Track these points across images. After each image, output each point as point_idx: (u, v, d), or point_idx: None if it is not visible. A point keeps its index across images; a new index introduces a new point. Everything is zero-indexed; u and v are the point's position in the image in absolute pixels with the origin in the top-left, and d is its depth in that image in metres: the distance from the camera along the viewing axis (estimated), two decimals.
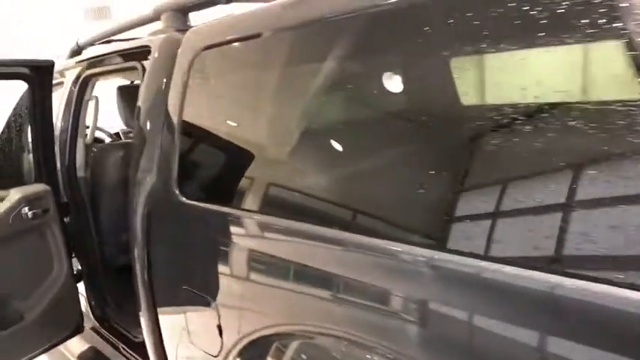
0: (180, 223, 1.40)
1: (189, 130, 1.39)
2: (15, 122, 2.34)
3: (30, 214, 1.90)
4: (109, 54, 1.93)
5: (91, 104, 2.14)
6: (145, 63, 1.63)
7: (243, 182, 1.22)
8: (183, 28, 1.60)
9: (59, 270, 2.07)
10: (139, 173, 1.50)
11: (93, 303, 2.26)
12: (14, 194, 1.89)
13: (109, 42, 2.20)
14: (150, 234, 1.47)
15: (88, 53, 2.21)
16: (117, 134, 3.45)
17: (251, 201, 1.17)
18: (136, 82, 2.39)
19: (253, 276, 1.15)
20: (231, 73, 1.35)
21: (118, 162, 2.18)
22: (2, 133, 2.46)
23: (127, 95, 2.19)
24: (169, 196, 1.37)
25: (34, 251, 1.99)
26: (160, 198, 1.43)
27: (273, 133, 1.21)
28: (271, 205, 1.15)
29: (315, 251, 1.00)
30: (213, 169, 1.44)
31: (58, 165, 2.13)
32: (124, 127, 3.13)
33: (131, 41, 1.88)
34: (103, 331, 2.25)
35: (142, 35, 1.90)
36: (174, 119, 1.37)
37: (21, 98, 2.31)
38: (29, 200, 1.91)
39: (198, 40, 1.42)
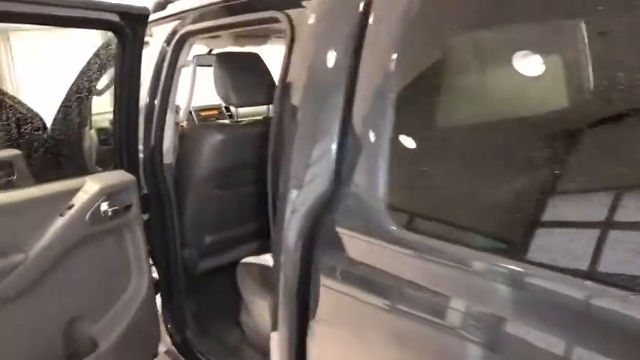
0: (384, 263, 0.86)
1: (417, 118, 0.88)
2: (80, 90, 1.89)
3: (110, 211, 1.44)
4: (224, 2, 1.42)
5: (187, 71, 1.66)
6: (297, 12, 1.13)
7: (539, 214, 0.70)
8: None
9: (139, 282, 1.61)
10: (294, 179, 1.00)
11: (169, 322, 1.81)
12: (92, 184, 1.42)
13: None
14: (312, 271, 0.97)
15: (182, 4, 1.71)
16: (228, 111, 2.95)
17: (569, 256, 0.65)
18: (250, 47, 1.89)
19: None
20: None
21: (217, 148, 1.69)
22: (64, 102, 2.01)
23: (230, 64, 1.70)
24: (366, 222, 0.87)
25: (110, 260, 1.53)
26: (340, 220, 0.92)
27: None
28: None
29: None
30: (470, 186, 0.86)
31: (140, 146, 1.66)
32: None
33: None
34: (181, 358, 1.80)
35: None
36: (384, 100, 0.86)
37: (88, 63, 1.85)
38: (110, 193, 1.45)
39: None
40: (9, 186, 2.12)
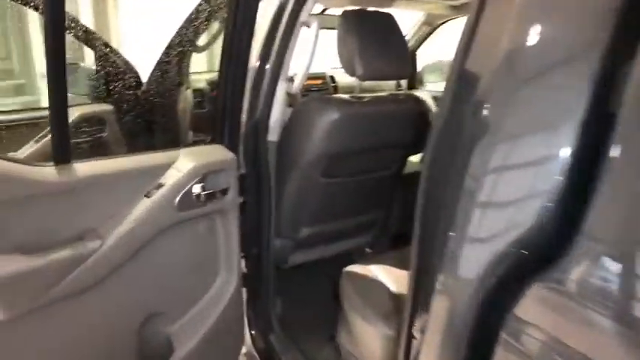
0: None
1: None
2: (181, 43, 1.65)
3: (203, 195, 1.18)
4: None
5: (310, 31, 1.34)
6: None
7: None
8: None
9: (228, 278, 1.36)
10: (482, 197, 0.64)
11: (254, 323, 1.56)
12: (185, 161, 1.16)
13: None
14: (496, 331, 0.63)
15: None
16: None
17: None
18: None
19: None
20: None
21: (334, 128, 1.37)
22: (162, 57, 1.80)
23: (360, 25, 1.35)
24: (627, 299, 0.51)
25: (196, 251, 1.29)
26: (566, 283, 0.56)
27: None
28: None
29: None
30: None
31: (243, 118, 1.38)
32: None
33: None
34: None
35: None
36: None
37: (195, 10, 1.59)
38: (205, 173, 1.18)
39: None
40: (97, 144, 1.97)
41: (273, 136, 1.43)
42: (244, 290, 1.53)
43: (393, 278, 1.34)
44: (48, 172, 0.97)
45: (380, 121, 1.48)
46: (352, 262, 2.09)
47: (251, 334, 1.53)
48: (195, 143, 1.60)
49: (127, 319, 1.16)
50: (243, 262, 1.51)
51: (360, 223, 1.83)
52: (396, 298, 1.27)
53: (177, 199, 1.13)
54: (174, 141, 1.75)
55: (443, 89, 0.77)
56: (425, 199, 0.80)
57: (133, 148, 1.98)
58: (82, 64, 1.95)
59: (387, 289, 1.31)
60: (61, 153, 1.00)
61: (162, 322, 1.24)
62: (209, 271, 1.33)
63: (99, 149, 1.93)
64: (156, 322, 1.22)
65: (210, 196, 1.20)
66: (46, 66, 0.93)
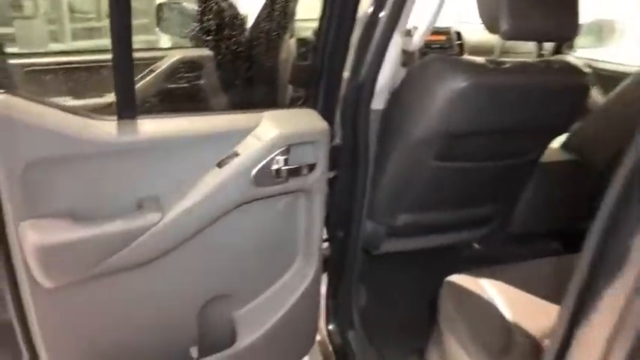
0: None
1: None
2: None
3: (285, 170, 0.98)
4: None
5: None
6: None
7: None
8: None
9: (306, 264, 1.17)
10: None
11: (333, 315, 1.37)
12: (269, 127, 0.96)
13: None
14: None
15: None
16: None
17: None
18: None
19: None
20: None
21: (459, 98, 1.06)
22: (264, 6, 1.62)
23: None
24: None
25: (273, 231, 1.11)
26: None
27: None
28: None
29: None
30: None
31: (345, 77, 1.13)
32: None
33: None
34: None
35: None
36: None
37: None
38: (290, 144, 0.97)
39: None
40: (193, 91, 1.86)
41: (378, 102, 1.16)
42: (325, 276, 1.34)
43: (510, 301, 1.05)
44: (108, 127, 0.83)
45: (525, 95, 1.13)
46: (458, 258, 1.81)
47: (327, 323, 1.34)
48: (288, 104, 1.39)
49: (187, 300, 1.03)
50: (326, 245, 1.32)
51: (472, 216, 1.52)
52: (510, 329, 0.99)
53: (254, 172, 0.94)
54: (264, 100, 1.57)
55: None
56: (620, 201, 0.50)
57: (221, 103, 1.84)
58: (184, 3, 1.82)
59: (501, 315, 1.02)
60: (125, 106, 0.84)
61: (226, 306, 1.10)
62: (285, 255, 1.15)
63: (192, 99, 1.83)
64: (220, 305, 1.08)
65: (294, 172, 0.99)
66: (109, 6, 0.76)
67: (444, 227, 1.54)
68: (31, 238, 0.77)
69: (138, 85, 1.58)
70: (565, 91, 1.19)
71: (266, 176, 0.96)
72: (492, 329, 1.00)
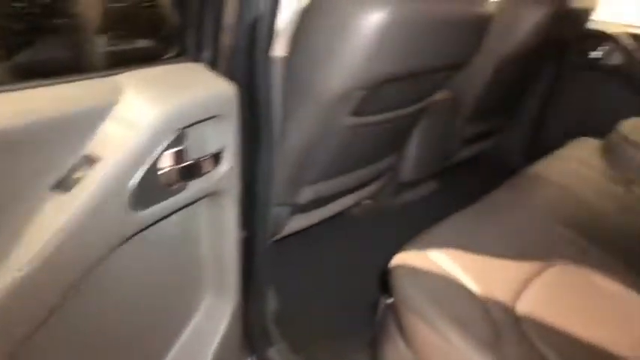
0: None
1: None
2: None
3: (179, 171, 0.57)
4: None
5: None
6: None
7: None
8: None
9: (220, 300, 0.80)
10: None
11: (250, 339, 1.03)
12: (141, 101, 0.53)
13: None
14: None
15: None
16: None
17: None
18: None
19: None
20: None
21: (391, 34, 0.77)
22: None
23: None
24: None
25: (163, 267, 0.69)
26: None
27: None
28: None
29: None
30: None
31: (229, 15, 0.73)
32: None
33: None
34: None
35: None
36: None
37: None
38: (181, 128, 0.56)
39: None
40: None
41: (280, 47, 0.81)
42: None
43: (470, 271, 0.86)
44: None
45: (442, 28, 0.91)
46: (355, 221, 1.61)
47: (244, 321, 0.99)
48: (152, 59, 0.89)
49: None
50: None
51: (372, 173, 1.31)
52: (482, 302, 0.80)
53: (130, 188, 0.52)
54: (115, 54, 1.01)
55: None
56: None
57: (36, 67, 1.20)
58: None
59: (468, 291, 0.83)
60: None
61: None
62: (188, 295, 0.75)
63: None
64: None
65: (193, 171, 0.60)
66: None
67: (344, 192, 1.31)
68: None
69: None
70: (472, 22, 1.01)
71: (151, 189, 0.54)
72: (463, 304, 0.80)
